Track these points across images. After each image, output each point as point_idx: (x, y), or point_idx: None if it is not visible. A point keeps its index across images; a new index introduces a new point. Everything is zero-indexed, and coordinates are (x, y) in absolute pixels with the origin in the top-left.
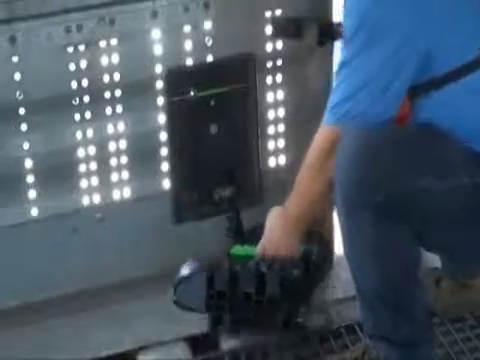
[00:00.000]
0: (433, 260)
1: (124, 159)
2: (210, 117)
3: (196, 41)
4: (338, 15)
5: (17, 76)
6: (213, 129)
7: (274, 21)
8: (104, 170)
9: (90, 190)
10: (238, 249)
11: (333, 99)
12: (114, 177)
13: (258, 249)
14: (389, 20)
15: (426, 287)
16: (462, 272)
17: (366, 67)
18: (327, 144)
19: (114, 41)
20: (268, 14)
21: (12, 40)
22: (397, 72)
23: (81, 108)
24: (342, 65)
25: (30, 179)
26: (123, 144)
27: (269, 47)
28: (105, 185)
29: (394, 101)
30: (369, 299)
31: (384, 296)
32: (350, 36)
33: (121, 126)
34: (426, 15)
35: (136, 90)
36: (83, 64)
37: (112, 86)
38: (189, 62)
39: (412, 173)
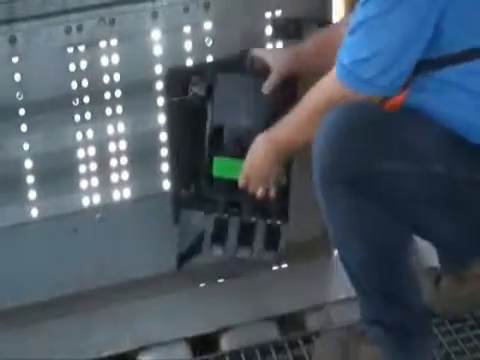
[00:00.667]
0: (433, 260)
1: (124, 159)
2: None
3: (196, 41)
4: (338, 15)
5: (17, 76)
6: None
7: (274, 21)
8: (104, 170)
9: (90, 190)
10: (221, 166)
11: (350, 55)
12: (114, 177)
13: (241, 175)
14: None
15: (419, 278)
16: (457, 265)
17: (385, 30)
18: (337, 96)
19: (114, 41)
20: (268, 14)
21: (12, 40)
22: (415, 38)
23: (81, 108)
24: (360, 24)
25: (30, 179)
26: (123, 145)
27: (269, 47)
28: (105, 185)
29: (406, 68)
30: (357, 280)
31: (369, 277)
32: None
33: (121, 127)
34: None
35: (136, 90)
36: (83, 64)
37: (112, 86)
38: (189, 62)
39: (382, 155)
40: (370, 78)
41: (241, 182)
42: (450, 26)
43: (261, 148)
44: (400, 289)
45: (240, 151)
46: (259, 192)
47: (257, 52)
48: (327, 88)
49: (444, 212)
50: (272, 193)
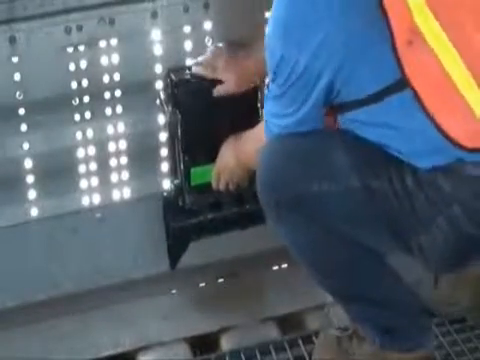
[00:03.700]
0: None
1: (124, 159)
2: None
3: (196, 41)
4: None
5: (17, 76)
6: None
7: None
8: (104, 170)
9: (90, 190)
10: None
11: (265, 110)
12: (114, 177)
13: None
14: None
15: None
16: (452, 265)
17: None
18: None
19: (114, 41)
20: (268, 14)
21: (12, 40)
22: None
23: (81, 108)
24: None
25: (30, 179)
26: (123, 144)
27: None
28: (105, 185)
29: (311, 122)
30: (333, 294)
31: (342, 290)
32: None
33: (121, 126)
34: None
35: (136, 90)
36: (83, 64)
37: (112, 86)
38: (189, 62)
39: (306, 178)
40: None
41: (213, 183)
42: (342, 85)
43: (226, 155)
44: (376, 292)
45: (212, 156)
46: (228, 187)
47: (206, 71)
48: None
49: (372, 224)
50: (231, 188)
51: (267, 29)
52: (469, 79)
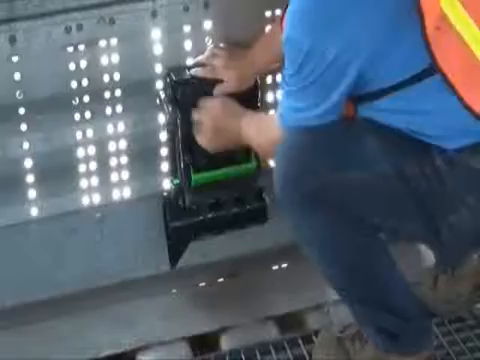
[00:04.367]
0: (431, 260)
1: (124, 159)
2: None
3: (196, 41)
4: None
5: (17, 76)
6: None
7: (274, 21)
8: (104, 170)
9: (90, 190)
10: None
11: (283, 105)
12: (114, 177)
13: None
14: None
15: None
16: (451, 264)
17: (304, 90)
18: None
19: (114, 41)
20: (268, 14)
21: (12, 40)
22: (334, 89)
23: (81, 108)
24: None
25: (30, 179)
26: (123, 144)
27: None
28: (105, 185)
29: (333, 114)
30: (341, 293)
31: (351, 289)
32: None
33: (121, 126)
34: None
35: (136, 90)
36: (83, 64)
37: (112, 86)
38: (189, 62)
39: (332, 167)
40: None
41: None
42: (370, 76)
43: (228, 119)
44: (387, 296)
45: (214, 160)
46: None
47: (205, 72)
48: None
49: (403, 209)
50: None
51: (288, 22)
52: None
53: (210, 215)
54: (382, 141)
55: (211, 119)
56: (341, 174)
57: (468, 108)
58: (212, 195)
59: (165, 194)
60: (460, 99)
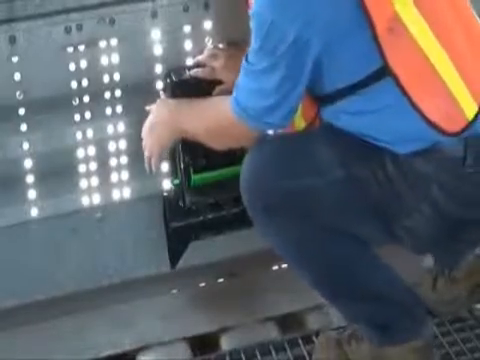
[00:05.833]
0: (430, 261)
1: (124, 159)
2: None
3: (196, 41)
4: None
5: (17, 76)
6: None
7: None
8: (104, 170)
9: (90, 190)
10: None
11: (243, 95)
12: (114, 177)
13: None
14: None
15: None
16: (447, 265)
17: (269, 78)
18: (235, 125)
19: (114, 41)
20: None
21: (12, 40)
22: (295, 82)
23: (81, 108)
24: (245, 70)
25: (30, 179)
26: (123, 144)
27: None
28: (105, 185)
29: (290, 108)
30: (323, 293)
31: (333, 288)
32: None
33: (121, 126)
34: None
35: (136, 90)
36: (83, 64)
37: (112, 86)
38: (189, 62)
39: (291, 175)
40: (259, 116)
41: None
42: (327, 66)
43: (164, 112)
44: (367, 287)
45: (213, 161)
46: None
47: (205, 72)
48: (228, 117)
49: (358, 213)
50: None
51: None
52: (448, 63)
53: (210, 215)
54: (336, 148)
55: (153, 116)
56: (297, 182)
57: (419, 112)
58: (212, 195)
59: (165, 194)
60: (411, 102)
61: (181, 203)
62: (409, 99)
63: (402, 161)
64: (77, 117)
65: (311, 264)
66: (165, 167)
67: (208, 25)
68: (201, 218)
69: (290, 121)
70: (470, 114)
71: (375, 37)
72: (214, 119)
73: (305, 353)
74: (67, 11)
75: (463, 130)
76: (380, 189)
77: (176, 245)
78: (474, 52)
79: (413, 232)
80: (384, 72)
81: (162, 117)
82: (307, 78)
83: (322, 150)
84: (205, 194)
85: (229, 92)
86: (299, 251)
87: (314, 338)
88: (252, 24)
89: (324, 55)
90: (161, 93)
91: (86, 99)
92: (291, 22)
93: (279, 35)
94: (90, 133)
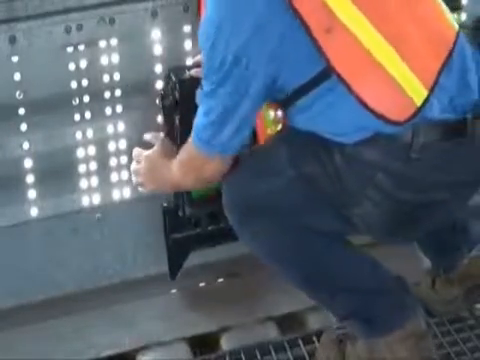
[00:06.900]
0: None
1: (124, 159)
2: None
3: (196, 41)
4: None
5: (17, 76)
6: None
7: None
8: (104, 170)
9: (90, 190)
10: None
11: (197, 122)
12: (114, 177)
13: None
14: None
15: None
16: (443, 266)
17: (217, 101)
18: (197, 157)
19: (114, 41)
20: None
21: (12, 40)
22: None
23: (81, 108)
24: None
25: (30, 179)
26: (123, 144)
27: None
28: (105, 185)
29: (241, 126)
30: (307, 292)
31: (315, 286)
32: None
33: (121, 126)
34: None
35: (136, 90)
36: (83, 64)
37: (112, 86)
38: (189, 62)
39: (254, 181)
40: (208, 139)
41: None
42: (281, 78)
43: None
44: (347, 283)
45: None
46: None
47: None
48: (192, 152)
49: (318, 208)
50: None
51: (202, 25)
52: (393, 54)
53: (210, 227)
54: (289, 149)
55: (147, 160)
56: (260, 187)
57: (364, 104)
58: (212, 207)
59: (165, 205)
60: (357, 98)
61: (181, 214)
62: (353, 94)
63: (349, 151)
64: (77, 117)
65: (289, 266)
66: None
67: None
68: (201, 230)
69: (240, 142)
70: (419, 100)
71: (313, 40)
72: (186, 161)
73: (305, 353)
74: (67, 11)
75: (412, 117)
76: (331, 182)
77: (176, 256)
78: (425, 39)
79: (367, 219)
80: (329, 71)
81: (150, 177)
82: (257, 94)
83: (278, 153)
84: (205, 206)
85: None
86: (274, 254)
87: (314, 338)
88: (198, 35)
89: (271, 64)
90: (161, 93)
91: (86, 99)
92: (226, 44)
93: (220, 57)
94: (90, 133)
